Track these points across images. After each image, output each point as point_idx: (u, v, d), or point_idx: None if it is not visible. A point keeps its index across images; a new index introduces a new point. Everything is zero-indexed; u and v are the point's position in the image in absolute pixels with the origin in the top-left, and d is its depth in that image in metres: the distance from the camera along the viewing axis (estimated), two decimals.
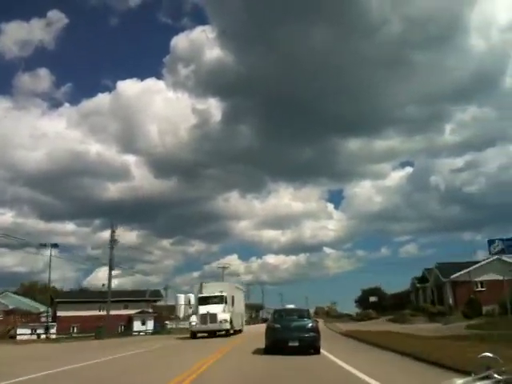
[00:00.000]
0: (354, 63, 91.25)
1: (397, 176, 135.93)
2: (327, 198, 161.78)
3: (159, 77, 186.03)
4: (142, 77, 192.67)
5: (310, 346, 14.38)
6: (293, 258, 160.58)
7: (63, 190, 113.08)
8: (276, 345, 14.53)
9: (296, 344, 14.12)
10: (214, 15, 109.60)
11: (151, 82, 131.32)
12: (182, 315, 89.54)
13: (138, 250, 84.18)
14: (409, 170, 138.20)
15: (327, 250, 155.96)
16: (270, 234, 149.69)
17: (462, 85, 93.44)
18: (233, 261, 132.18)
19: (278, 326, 15.03)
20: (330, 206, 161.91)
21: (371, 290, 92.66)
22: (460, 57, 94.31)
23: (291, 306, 19.26)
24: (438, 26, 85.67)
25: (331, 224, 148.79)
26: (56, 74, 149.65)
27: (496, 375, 2.39)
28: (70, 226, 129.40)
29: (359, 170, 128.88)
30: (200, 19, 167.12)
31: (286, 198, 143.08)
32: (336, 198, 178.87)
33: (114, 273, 75.63)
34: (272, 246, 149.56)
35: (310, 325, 14.97)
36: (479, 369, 2.50)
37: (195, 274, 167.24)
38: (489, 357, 2.57)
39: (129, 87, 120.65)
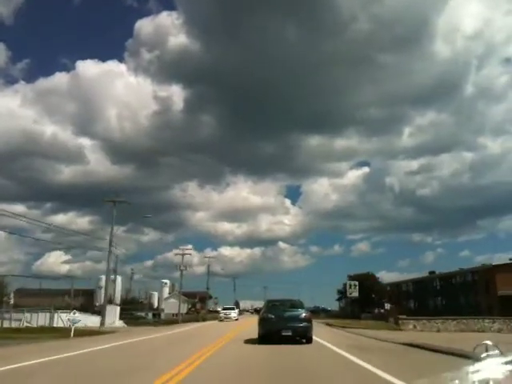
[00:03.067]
0: (321, 60, 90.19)
1: (353, 175, 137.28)
2: (285, 193, 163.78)
3: (121, 60, 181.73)
4: (104, 58, 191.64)
5: (302, 336, 14.73)
6: (248, 250, 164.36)
7: (14, 170, 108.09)
8: (269, 334, 14.71)
9: (289, 333, 14.49)
10: (182, 1, 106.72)
11: (113, 65, 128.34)
12: (99, 303, 70.17)
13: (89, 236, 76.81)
14: (365, 169, 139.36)
15: (282, 244, 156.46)
16: (226, 226, 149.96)
17: (423, 89, 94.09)
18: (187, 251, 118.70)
19: (272, 316, 15.15)
20: (288, 202, 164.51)
21: (361, 277, 67.37)
22: (424, 61, 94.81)
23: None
24: (405, 28, 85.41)
25: (287, 219, 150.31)
26: (13, 50, 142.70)
27: (496, 364, 2.32)
28: (19, 208, 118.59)
29: (318, 167, 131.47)
30: (167, 4, 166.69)
31: (244, 191, 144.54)
32: (294, 194, 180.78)
33: (63, 258, 64.06)
34: (228, 238, 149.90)
35: (303, 315, 15.18)
36: (478, 357, 2.44)
37: (148, 263, 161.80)
38: (488, 345, 2.58)
39: (89, 68, 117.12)
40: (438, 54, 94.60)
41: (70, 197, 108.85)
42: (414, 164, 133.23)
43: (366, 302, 67.99)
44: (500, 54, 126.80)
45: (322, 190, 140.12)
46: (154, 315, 68.22)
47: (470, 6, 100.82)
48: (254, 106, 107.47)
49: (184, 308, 69.59)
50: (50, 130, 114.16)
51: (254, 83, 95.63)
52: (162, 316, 66.52)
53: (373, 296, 69.34)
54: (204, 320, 61.19)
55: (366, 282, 69.89)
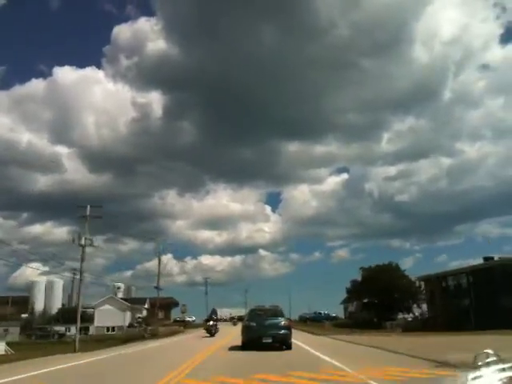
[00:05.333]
0: (301, 65, 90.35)
1: (333, 181, 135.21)
2: (265, 200, 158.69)
3: (99, 66, 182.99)
4: (81, 65, 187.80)
5: (282, 343, 15.73)
6: (228, 259, 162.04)
7: None
8: (251, 341, 15.74)
9: (269, 340, 15.51)
10: (160, 6, 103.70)
11: (90, 71, 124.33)
12: (39, 309, 63.46)
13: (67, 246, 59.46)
14: (345, 176, 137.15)
15: (263, 252, 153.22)
16: (206, 235, 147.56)
17: (402, 95, 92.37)
18: (168, 260, 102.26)
19: (253, 323, 16.22)
20: (268, 209, 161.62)
21: (380, 269, 46.81)
22: (403, 67, 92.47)
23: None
24: (385, 34, 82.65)
25: (268, 226, 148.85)
26: None
27: (496, 372, 2.30)
28: None
29: (298, 173, 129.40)
30: (145, 10, 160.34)
31: (224, 199, 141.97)
32: (274, 201, 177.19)
33: (41, 270, 54.64)
34: (208, 246, 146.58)
35: (283, 323, 16.30)
36: (479, 365, 2.40)
37: (127, 274, 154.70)
38: (489, 353, 2.52)
39: (66, 74, 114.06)
40: (416, 59, 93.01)
41: (47, 206, 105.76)
42: (393, 170, 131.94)
43: (388, 305, 48.54)
44: (477, 60, 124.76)
45: (302, 196, 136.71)
46: (81, 330, 45.72)
47: (448, 12, 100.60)
48: (234, 112, 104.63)
49: (126, 318, 47.45)
50: (26, 137, 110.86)
51: (233, 89, 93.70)
52: (92, 331, 44.08)
53: (395, 296, 49.79)
54: (155, 335, 39.64)
55: (386, 276, 50.28)
